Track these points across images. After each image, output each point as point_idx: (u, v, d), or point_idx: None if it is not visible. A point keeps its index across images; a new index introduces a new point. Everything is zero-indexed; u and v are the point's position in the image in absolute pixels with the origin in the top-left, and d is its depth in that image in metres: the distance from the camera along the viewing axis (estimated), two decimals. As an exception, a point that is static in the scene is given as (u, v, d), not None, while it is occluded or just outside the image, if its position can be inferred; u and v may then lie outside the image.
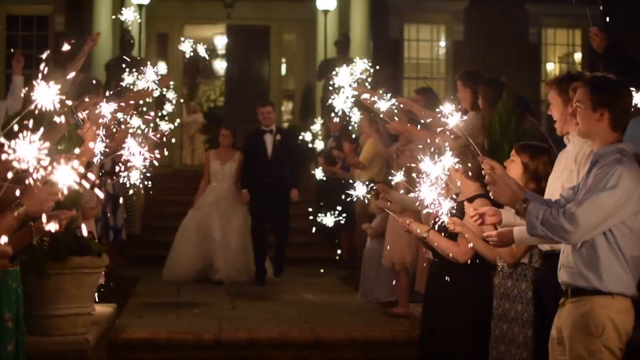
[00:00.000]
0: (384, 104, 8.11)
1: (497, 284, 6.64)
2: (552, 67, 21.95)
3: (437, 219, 6.15)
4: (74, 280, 7.32)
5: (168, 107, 11.97)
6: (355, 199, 12.93)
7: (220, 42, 24.14)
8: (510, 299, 6.52)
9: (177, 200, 15.93)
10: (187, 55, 9.85)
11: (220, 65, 24.93)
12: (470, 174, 6.71)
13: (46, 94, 3.60)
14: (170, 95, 11.51)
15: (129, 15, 9.97)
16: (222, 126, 14.65)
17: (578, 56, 21.83)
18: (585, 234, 4.85)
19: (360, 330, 9.35)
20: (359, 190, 7.63)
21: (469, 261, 6.70)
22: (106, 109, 5.75)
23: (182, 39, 9.57)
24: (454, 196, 6.82)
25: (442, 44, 21.25)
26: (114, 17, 17.57)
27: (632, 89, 5.26)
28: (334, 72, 9.68)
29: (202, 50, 10.25)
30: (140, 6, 18.63)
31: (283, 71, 23.23)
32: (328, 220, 8.74)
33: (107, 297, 9.20)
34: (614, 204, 4.82)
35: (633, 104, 5.23)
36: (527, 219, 4.84)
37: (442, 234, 6.70)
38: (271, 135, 13.28)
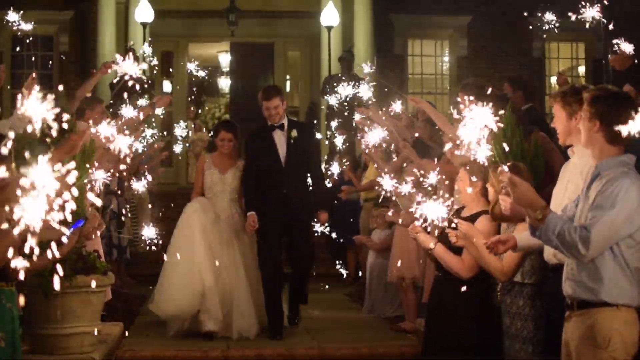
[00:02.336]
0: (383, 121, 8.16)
1: (499, 300, 6.65)
2: (556, 81, 21.97)
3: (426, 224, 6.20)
4: (80, 299, 7.36)
5: (179, 131, 12.24)
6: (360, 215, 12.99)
7: (225, 59, 24.20)
8: (511, 315, 6.55)
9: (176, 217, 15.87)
10: (191, 76, 10.07)
11: (224, 83, 24.98)
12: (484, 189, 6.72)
13: (39, 110, 3.60)
14: (182, 124, 11.81)
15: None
16: (221, 128, 10.76)
17: (582, 69, 21.88)
18: (597, 254, 4.88)
19: (367, 346, 9.33)
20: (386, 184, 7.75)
21: (472, 278, 6.72)
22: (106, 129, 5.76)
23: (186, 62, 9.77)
24: (456, 208, 6.86)
25: (446, 59, 21.30)
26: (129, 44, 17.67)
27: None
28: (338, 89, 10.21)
29: (201, 72, 10.36)
30: (144, 25, 18.69)
31: (288, 88, 23.26)
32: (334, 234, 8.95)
33: (114, 316, 9.21)
34: (623, 219, 4.84)
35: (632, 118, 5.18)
36: (544, 228, 4.84)
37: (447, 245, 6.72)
38: (283, 131, 10.03)
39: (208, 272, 9.85)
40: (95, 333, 7.64)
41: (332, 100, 12.74)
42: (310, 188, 10.35)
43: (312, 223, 10.78)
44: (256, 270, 10.10)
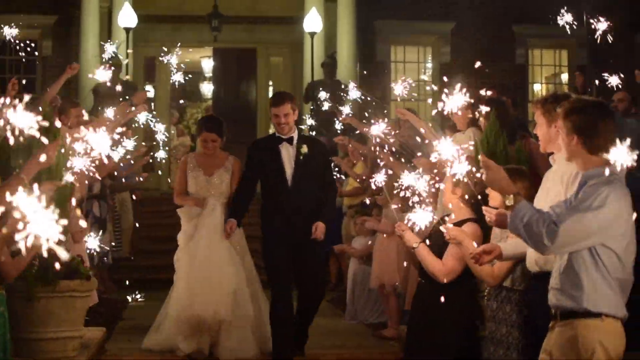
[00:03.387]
0: (374, 129, 8.20)
1: (483, 306, 6.68)
2: (539, 88, 22.10)
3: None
4: (64, 303, 7.36)
5: (160, 136, 11.97)
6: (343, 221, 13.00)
7: (208, 65, 24.22)
8: (496, 321, 6.55)
9: (166, 223, 15.90)
10: (173, 79, 9.95)
11: (207, 88, 25.00)
12: (467, 197, 6.76)
13: (24, 118, 3.61)
14: (161, 126, 11.59)
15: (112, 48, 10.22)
16: (204, 128, 9.55)
17: (564, 76, 21.98)
18: (559, 250, 4.90)
19: (349, 353, 9.36)
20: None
21: (454, 284, 6.76)
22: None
23: (166, 58, 9.69)
24: (446, 217, 6.90)
25: (429, 65, 21.36)
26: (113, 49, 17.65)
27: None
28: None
29: (179, 77, 10.23)
30: (127, 30, 18.68)
31: (270, 93, 23.28)
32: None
33: (96, 321, 9.21)
34: (598, 225, 4.82)
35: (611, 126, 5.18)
36: (512, 215, 4.87)
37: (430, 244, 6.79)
38: (291, 146, 8.79)
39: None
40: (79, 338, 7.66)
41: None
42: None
43: (321, 254, 9.40)
44: (257, 288, 9.38)
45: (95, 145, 5.65)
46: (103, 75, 7.62)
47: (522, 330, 6.38)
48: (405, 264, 8.22)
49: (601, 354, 4.89)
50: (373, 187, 8.00)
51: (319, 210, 8.75)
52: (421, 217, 6.27)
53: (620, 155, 4.54)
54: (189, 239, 9.31)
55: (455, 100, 5.20)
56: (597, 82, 11.46)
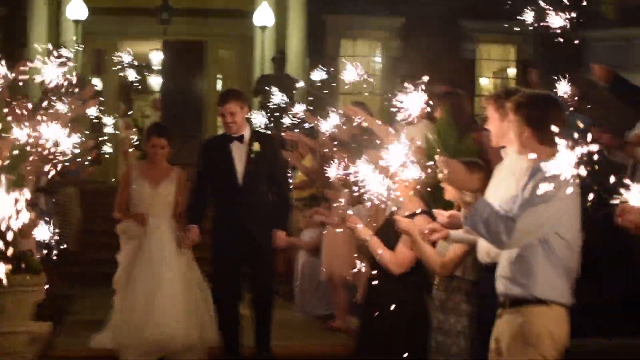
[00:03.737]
0: (324, 125, 8.24)
1: (433, 296, 6.75)
2: (486, 83, 22.27)
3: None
4: (13, 298, 7.29)
5: (108, 130, 11.85)
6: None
7: (156, 57, 24.11)
8: (445, 311, 6.65)
9: (112, 217, 15.79)
10: (123, 66, 9.76)
11: (155, 81, 24.87)
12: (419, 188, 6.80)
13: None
14: (109, 120, 11.48)
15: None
16: (153, 133, 9.28)
17: (512, 71, 22.19)
18: (517, 244, 5.01)
19: (299, 345, 9.38)
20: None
21: (406, 275, 6.82)
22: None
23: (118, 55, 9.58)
24: (393, 211, 6.95)
25: (378, 59, 21.42)
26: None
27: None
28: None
29: (126, 57, 9.97)
30: (76, 22, 18.54)
31: (219, 87, 23.22)
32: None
33: (42, 315, 9.14)
34: (550, 216, 4.96)
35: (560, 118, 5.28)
36: (471, 212, 4.94)
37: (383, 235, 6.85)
38: (243, 144, 8.51)
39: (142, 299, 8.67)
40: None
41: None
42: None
43: (272, 259, 8.94)
44: (206, 295, 8.95)
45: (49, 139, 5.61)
46: (51, 73, 7.54)
47: (470, 319, 6.48)
48: (355, 256, 8.24)
49: (548, 340, 5.03)
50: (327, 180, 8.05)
51: (272, 211, 8.58)
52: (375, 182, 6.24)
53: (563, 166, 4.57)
54: (131, 260, 8.94)
55: (414, 98, 5.19)
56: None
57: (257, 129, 9.49)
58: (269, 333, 8.79)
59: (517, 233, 4.87)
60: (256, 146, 8.48)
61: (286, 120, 13.54)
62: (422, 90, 5.32)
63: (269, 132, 11.85)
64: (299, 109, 10.36)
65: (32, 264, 7.42)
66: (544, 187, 4.89)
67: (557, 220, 4.99)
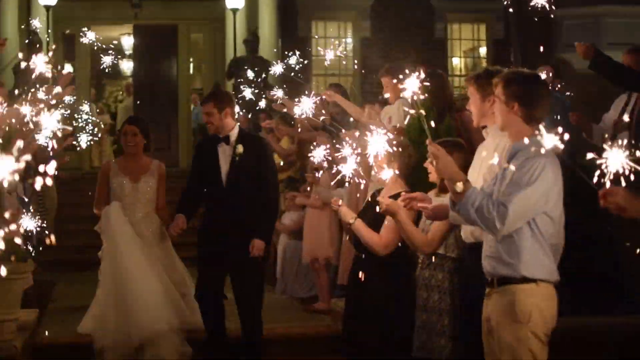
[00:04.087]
0: (299, 109, 8.24)
1: (417, 274, 6.82)
2: (457, 62, 22.37)
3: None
4: (1, 287, 7.31)
5: (84, 117, 11.77)
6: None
7: (127, 42, 24.06)
8: (429, 288, 6.70)
9: (89, 202, 15.77)
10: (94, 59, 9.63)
11: (127, 66, 24.82)
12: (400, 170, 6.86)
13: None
14: (86, 107, 11.42)
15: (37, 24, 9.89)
16: (125, 122, 9.25)
17: (483, 50, 22.30)
18: (510, 230, 5.06)
19: (283, 328, 9.39)
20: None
21: (391, 256, 6.91)
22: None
23: (85, 34, 9.47)
24: (375, 192, 7.02)
25: (349, 40, 21.47)
26: (23, 26, 17.47)
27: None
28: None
29: (91, 35, 9.87)
30: (47, 7, 18.47)
31: (191, 70, 23.20)
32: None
33: (26, 303, 9.15)
34: (538, 197, 5.03)
35: (547, 99, 5.40)
36: (463, 201, 5.00)
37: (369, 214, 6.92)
38: (228, 146, 8.25)
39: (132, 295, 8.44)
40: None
41: (247, 92, 12.34)
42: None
43: (260, 263, 8.33)
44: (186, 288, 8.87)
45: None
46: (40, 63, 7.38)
47: (454, 297, 6.55)
48: (346, 237, 8.30)
49: (538, 317, 5.10)
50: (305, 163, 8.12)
51: (257, 216, 8.12)
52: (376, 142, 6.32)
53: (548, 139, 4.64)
54: (109, 255, 8.75)
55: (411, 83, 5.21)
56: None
57: (246, 131, 8.89)
58: (258, 351, 8.34)
59: (511, 218, 4.95)
60: (239, 148, 8.17)
61: (261, 104, 13.63)
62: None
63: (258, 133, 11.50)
64: (276, 94, 10.37)
65: (19, 252, 7.44)
66: (530, 170, 4.99)
67: (545, 201, 5.07)
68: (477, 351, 5.73)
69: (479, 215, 4.97)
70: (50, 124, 5.87)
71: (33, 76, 6.03)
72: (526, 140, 5.13)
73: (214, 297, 8.25)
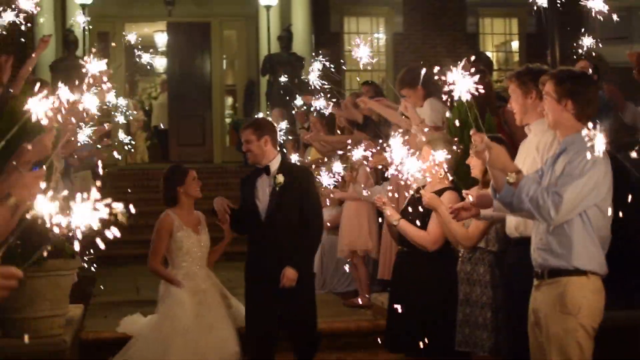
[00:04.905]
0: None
1: (458, 269, 6.91)
2: (489, 56, 22.34)
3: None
4: (49, 282, 7.45)
5: (120, 118, 11.85)
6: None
7: (161, 39, 24.19)
8: (470, 282, 6.79)
9: (124, 198, 15.86)
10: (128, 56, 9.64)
11: (160, 62, 24.93)
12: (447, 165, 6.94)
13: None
14: (123, 103, 11.44)
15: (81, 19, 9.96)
16: (187, 168, 8.48)
17: (515, 44, 22.28)
18: (563, 219, 5.14)
19: (326, 323, 9.38)
20: (324, 180, 7.89)
21: (434, 251, 7.01)
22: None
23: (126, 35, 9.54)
24: (419, 188, 7.10)
25: (381, 35, 21.52)
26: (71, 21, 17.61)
27: None
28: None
29: (132, 37, 9.82)
30: (83, 6, 18.64)
31: (225, 67, 23.30)
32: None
33: (71, 298, 9.28)
34: (591, 188, 5.11)
35: (597, 95, 5.50)
36: (516, 191, 5.08)
37: (411, 211, 7.04)
38: (269, 177, 7.69)
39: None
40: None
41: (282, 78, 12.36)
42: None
43: (310, 300, 7.91)
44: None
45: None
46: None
47: (495, 290, 6.63)
48: (386, 230, 8.34)
49: (587, 310, 5.19)
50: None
51: (297, 247, 7.59)
52: (412, 165, 6.45)
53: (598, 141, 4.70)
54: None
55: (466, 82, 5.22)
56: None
57: (289, 161, 8.51)
58: None
59: (565, 207, 5.03)
60: (279, 178, 7.61)
61: (297, 101, 13.71)
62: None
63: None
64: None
65: (66, 248, 7.57)
66: (581, 162, 5.07)
67: (597, 193, 5.15)
68: (519, 345, 5.83)
69: (533, 204, 5.04)
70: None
71: (88, 79, 6.13)
72: (576, 136, 5.22)
73: (266, 337, 7.72)
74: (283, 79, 16.29)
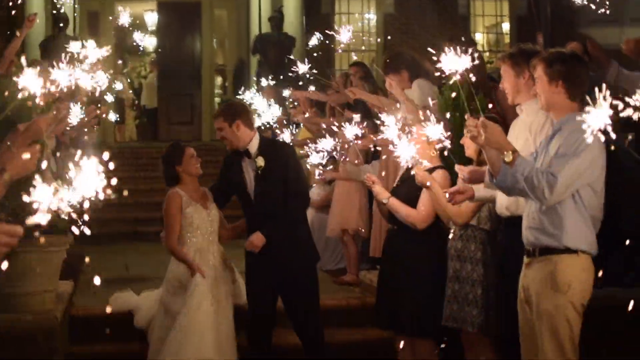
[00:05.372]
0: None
1: (448, 246, 6.97)
2: (480, 38, 22.37)
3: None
4: (41, 258, 7.46)
5: (109, 98, 11.81)
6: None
7: (151, 19, 24.11)
8: (461, 259, 6.85)
9: (113, 177, 15.89)
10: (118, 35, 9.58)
11: (150, 42, 24.87)
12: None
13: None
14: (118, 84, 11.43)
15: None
16: (184, 145, 8.31)
17: (506, 26, 22.28)
18: (559, 198, 5.18)
19: (314, 299, 9.48)
20: (313, 159, 7.90)
21: (424, 228, 7.06)
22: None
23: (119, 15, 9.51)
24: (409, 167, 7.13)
25: (372, 16, 21.49)
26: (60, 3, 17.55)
27: None
28: None
29: (125, 17, 9.77)
30: (72, -15, 18.60)
31: (215, 47, 23.26)
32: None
33: (61, 275, 9.29)
34: (585, 168, 5.16)
35: (588, 75, 5.52)
36: (512, 170, 5.11)
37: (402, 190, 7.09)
38: (251, 160, 7.66)
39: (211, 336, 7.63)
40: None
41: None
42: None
43: (311, 278, 7.91)
44: None
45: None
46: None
47: (487, 268, 6.70)
48: (376, 209, 8.38)
49: (576, 288, 5.26)
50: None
51: (297, 230, 7.69)
52: (406, 149, 6.49)
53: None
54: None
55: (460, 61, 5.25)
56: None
57: (268, 139, 8.39)
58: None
59: (560, 188, 5.08)
60: (260, 161, 7.59)
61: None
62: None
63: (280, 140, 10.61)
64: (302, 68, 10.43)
65: (59, 224, 7.56)
66: (576, 142, 5.10)
67: (591, 173, 5.21)
68: (509, 322, 5.88)
69: (528, 184, 5.08)
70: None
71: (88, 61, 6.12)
72: (571, 116, 5.26)
73: (265, 317, 7.74)
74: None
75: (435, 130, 5.88)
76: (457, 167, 6.22)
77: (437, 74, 5.80)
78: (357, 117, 8.61)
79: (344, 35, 8.43)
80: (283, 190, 7.55)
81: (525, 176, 5.08)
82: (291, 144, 11.04)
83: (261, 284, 7.64)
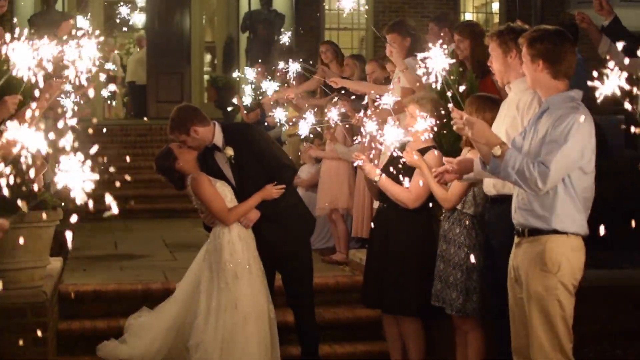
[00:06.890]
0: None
1: (439, 226, 7.03)
2: (469, 17, 22.32)
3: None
4: (31, 234, 7.45)
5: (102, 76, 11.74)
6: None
7: (140, -6, 24.02)
8: (446, 241, 6.92)
9: (101, 153, 15.87)
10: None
11: (138, 18, 24.74)
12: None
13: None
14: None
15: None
16: (162, 152, 7.69)
17: (495, 6, 22.25)
18: (551, 187, 5.21)
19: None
20: (303, 129, 7.81)
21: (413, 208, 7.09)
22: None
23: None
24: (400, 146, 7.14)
25: (361, -6, 21.43)
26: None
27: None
28: None
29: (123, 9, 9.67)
30: (61, -40, 18.49)
31: (204, 23, 23.15)
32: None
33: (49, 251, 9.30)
34: (577, 153, 5.17)
35: (572, 53, 5.49)
36: (502, 164, 5.13)
37: (392, 169, 7.08)
38: (221, 152, 7.55)
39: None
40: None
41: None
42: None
43: (302, 253, 7.76)
44: None
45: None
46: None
47: (468, 252, 6.73)
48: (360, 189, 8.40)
49: (566, 268, 5.28)
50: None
51: (286, 208, 7.61)
52: (392, 133, 6.52)
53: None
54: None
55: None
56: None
57: (228, 126, 7.92)
58: (312, 336, 7.82)
59: (552, 177, 5.11)
60: (229, 152, 7.50)
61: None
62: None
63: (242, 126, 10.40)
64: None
65: (49, 200, 7.58)
66: (566, 127, 5.12)
67: (581, 155, 5.22)
68: (491, 306, 5.93)
69: (520, 176, 5.10)
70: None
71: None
72: (560, 96, 5.28)
73: None
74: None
75: (424, 124, 5.96)
76: (444, 160, 6.21)
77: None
78: (336, 98, 8.60)
79: (345, 1, 8.39)
80: (263, 171, 7.48)
81: (516, 169, 5.11)
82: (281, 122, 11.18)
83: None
